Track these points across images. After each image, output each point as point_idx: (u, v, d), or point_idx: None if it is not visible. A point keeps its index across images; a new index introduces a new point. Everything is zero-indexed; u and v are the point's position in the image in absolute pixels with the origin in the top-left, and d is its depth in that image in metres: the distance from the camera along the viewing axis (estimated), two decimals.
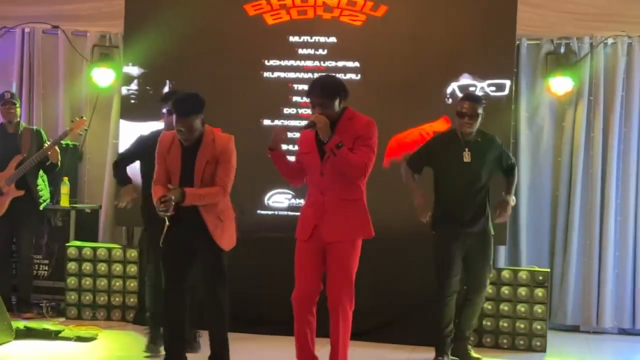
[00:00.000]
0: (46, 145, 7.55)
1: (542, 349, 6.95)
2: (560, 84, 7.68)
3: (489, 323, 7.04)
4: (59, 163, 7.67)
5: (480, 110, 6.23)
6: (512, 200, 6.38)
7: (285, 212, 7.54)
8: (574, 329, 7.79)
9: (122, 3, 7.92)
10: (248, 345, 6.66)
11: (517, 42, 7.67)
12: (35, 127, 7.96)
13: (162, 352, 5.75)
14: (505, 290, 7.03)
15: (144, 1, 7.89)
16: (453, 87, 7.45)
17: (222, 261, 5.50)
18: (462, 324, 6.45)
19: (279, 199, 7.62)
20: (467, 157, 6.22)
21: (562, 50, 7.81)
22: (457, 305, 6.42)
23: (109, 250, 7.70)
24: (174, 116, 5.33)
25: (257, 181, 7.32)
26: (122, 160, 6.48)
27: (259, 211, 7.53)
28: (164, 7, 7.73)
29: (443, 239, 6.26)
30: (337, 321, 5.19)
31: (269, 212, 7.58)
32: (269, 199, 7.61)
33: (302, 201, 7.12)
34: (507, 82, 7.36)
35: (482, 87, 7.38)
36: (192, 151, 5.38)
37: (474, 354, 6.47)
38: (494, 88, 7.38)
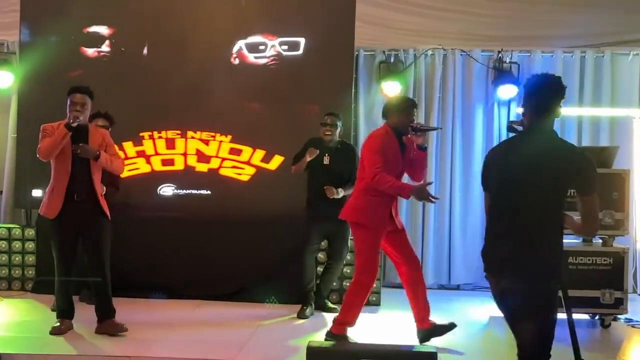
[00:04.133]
0: None
1: (377, 303, 7.26)
2: (391, 87, 8.06)
3: (334, 284, 7.21)
4: None
5: (338, 122, 6.70)
6: (340, 192, 6.70)
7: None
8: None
9: (18, 15, 7.83)
10: (137, 308, 6.75)
11: (356, 53, 8.02)
12: None
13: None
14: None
15: (36, 14, 7.78)
16: None
17: (109, 232, 5.75)
18: (322, 285, 6.97)
19: (167, 190, 7.65)
20: (326, 160, 6.67)
21: (392, 59, 8.23)
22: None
23: (9, 229, 7.62)
24: (71, 96, 5.58)
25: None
26: None
27: (152, 198, 7.59)
28: (53, 20, 7.70)
29: (308, 218, 6.75)
30: None
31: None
32: (160, 190, 7.66)
33: (185, 191, 7.39)
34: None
35: None
36: (81, 137, 5.59)
37: (330, 305, 6.96)
38: None
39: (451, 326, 5.69)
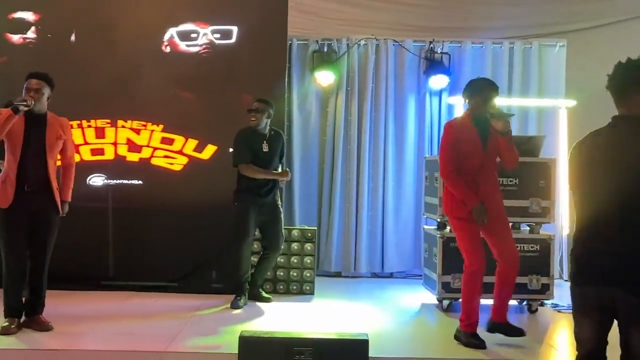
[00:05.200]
0: None
1: (311, 292, 7.22)
2: (324, 77, 8.11)
3: (268, 273, 7.19)
4: None
5: (266, 108, 6.58)
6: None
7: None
8: (337, 274, 8.26)
9: None
10: (66, 300, 6.56)
11: (289, 42, 7.96)
12: None
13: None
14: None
15: None
16: None
17: (57, 226, 5.61)
18: (257, 274, 6.89)
19: (96, 180, 7.45)
20: (265, 147, 6.62)
21: (325, 49, 8.22)
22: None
23: None
24: (26, 82, 5.40)
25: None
26: None
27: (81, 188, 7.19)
28: None
29: (242, 209, 6.60)
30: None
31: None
32: (89, 180, 7.41)
33: (115, 181, 7.25)
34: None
35: None
36: (38, 126, 5.43)
37: (265, 294, 6.90)
38: None
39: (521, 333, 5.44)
